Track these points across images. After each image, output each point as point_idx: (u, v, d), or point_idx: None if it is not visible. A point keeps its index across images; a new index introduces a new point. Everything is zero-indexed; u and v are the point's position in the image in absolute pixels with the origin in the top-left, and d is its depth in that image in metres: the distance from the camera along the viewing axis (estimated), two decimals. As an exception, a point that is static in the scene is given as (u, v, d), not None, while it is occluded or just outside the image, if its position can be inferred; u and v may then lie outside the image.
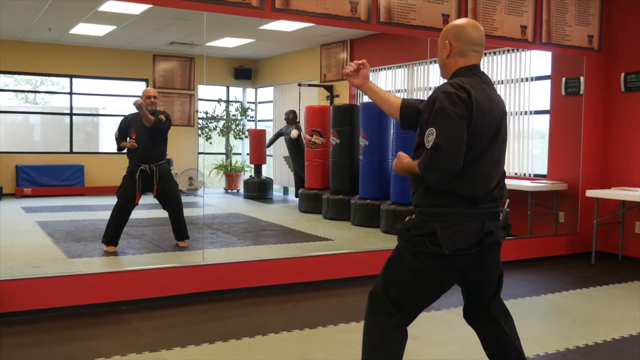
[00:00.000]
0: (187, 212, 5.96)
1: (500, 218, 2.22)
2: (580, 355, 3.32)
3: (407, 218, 2.27)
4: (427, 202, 2.19)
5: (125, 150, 5.67)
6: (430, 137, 2.08)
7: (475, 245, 2.16)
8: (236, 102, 11.90)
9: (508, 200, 2.28)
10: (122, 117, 5.78)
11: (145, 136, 5.54)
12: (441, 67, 2.33)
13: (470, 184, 2.15)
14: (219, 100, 11.48)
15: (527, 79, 6.76)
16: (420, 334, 3.52)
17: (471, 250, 2.15)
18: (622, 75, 6.05)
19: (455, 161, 2.06)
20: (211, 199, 10.17)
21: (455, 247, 2.12)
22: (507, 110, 6.73)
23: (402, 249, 2.27)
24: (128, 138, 5.67)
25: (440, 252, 2.13)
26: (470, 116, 2.10)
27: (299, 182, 9.52)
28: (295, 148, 9.43)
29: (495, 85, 2.57)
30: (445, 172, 2.08)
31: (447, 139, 2.05)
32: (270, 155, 11.23)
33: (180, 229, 5.80)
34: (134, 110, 5.65)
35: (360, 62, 2.42)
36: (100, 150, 11.28)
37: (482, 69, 2.29)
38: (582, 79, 6.21)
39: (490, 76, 2.36)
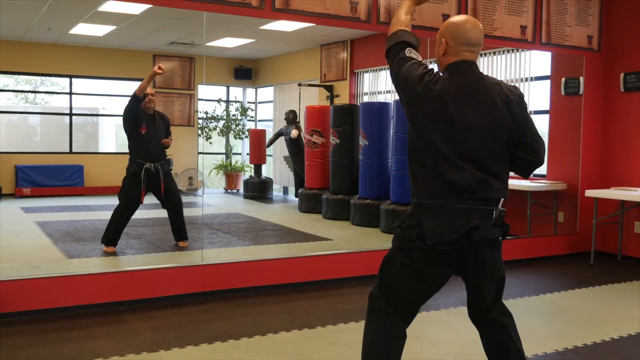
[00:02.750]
0: (186, 212, 5.96)
1: (493, 216, 2.17)
2: (579, 355, 3.32)
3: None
4: (416, 194, 2.22)
5: (127, 150, 5.60)
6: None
7: (463, 240, 2.14)
8: (236, 102, 11.90)
9: (503, 199, 2.24)
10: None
11: (153, 134, 5.51)
12: (437, 62, 2.36)
13: (436, 176, 2.15)
14: (219, 100, 11.49)
15: (526, 79, 6.76)
16: (419, 334, 3.52)
17: (458, 246, 2.15)
18: (622, 75, 6.05)
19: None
20: (211, 199, 10.17)
21: (439, 240, 2.12)
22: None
23: (393, 247, 2.29)
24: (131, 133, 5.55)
25: (427, 246, 2.14)
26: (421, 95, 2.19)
27: (299, 182, 9.53)
28: (295, 148, 9.44)
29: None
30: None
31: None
32: (270, 155, 11.23)
33: (179, 229, 5.79)
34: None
35: None
36: (99, 151, 11.29)
37: (481, 69, 2.29)
38: (581, 79, 6.21)
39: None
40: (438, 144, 2.16)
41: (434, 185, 2.16)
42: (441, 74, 2.25)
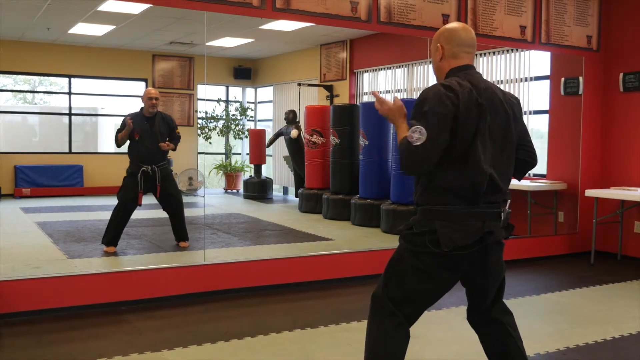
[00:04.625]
0: (187, 212, 5.97)
1: (502, 218, 2.21)
2: (580, 354, 3.33)
3: (411, 218, 2.28)
4: (427, 201, 2.20)
5: (126, 150, 5.63)
6: (416, 134, 2.07)
7: (476, 244, 2.15)
8: (236, 102, 11.90)
9: (509, 200, 2.27)
10: (124, 118, 5.65)
11: (148, 138, 5.53)
12: (435, 70, 2.36)
13: (459, 180, 2.13)
14: (218, 100, 11.49)
15: (526, 79, 6.77)
16: (421, 333, 3.52)
17: (471, 250, 2.16)
18: (621, 75, 6.06)
19: (431, 162, 2.10)
20: (211, 199, 10.17)
21: (455, 246, 2.12)
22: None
23: (403, 249, 2.28)
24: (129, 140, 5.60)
25: (440, 251, 2.14)
26: (456, 113, 2.10)
27: (299, 182, 9.53)
28: (295, 148, 9.44)
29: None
30: (419, 170, 2.14)
31: (430, 139, 2.06)
32: (270, 155, 11.23)
33: (180, 230, 5.80)
34: (134, 110, 5.65)
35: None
36: (99, 151, 11.28)
37: (481, 69, 2.31)
38: (581, 79, 6.23)
39: (489, 76, 2.38)
40: (462, 150, 2.13)
41: (446, 191, 2.15)
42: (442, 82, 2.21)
